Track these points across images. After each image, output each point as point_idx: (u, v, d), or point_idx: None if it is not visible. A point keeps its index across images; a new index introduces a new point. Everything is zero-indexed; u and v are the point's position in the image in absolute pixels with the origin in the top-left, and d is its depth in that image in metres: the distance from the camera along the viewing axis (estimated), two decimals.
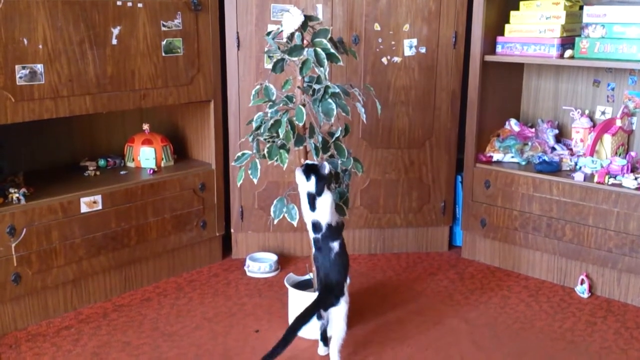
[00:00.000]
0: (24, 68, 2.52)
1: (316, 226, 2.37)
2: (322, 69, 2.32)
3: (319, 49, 2.32)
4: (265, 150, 2.36)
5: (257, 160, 2.44)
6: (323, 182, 2.32)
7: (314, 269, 2.65)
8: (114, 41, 2.77)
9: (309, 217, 2.39)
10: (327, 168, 2.31)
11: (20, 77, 2.51)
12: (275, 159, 2.35)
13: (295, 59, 2.34)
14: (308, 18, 2.37)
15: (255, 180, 2.44)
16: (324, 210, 2.35)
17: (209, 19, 3.09)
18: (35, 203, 2.64)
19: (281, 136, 2.31)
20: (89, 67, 2.70)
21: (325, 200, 2.34)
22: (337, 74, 3.19)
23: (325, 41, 2.33)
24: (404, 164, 3.39)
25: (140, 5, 2.82)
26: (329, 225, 2.36)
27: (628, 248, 2.86)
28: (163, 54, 2.95)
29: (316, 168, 2.32)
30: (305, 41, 2.39)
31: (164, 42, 2.94)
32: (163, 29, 2.93)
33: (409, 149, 3.37)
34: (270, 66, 3.15)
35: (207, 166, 3.28)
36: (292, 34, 2.36)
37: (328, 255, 2.37)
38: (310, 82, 2.42)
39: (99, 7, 2.69)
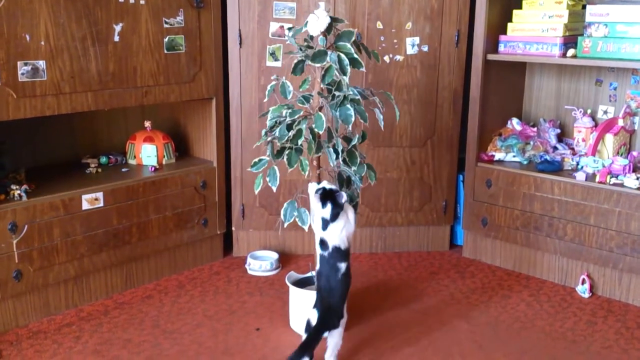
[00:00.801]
0: (26, 64, 2.51)
1: (324, 244, 2.34)
2: (345, 77, 2.22)
3: (342, 55, 2.22)
4: (285, 157, 2.29)
5: (276, 167, 2.38)
6: (338, 209, 2.30)
7: (317, 267, 2.65)
8: (116, 38, 2.77)
9: (318, 233, 2.36)
10: (344, 197, 2.29)
11: (22, 74, 2.51)
12: (296, 166, 2.28)
13: (318, 65, 2.25)
14: (334, 20, 2.28)
15: (274, 188, 2.39)
16: (335, 234, 2.32)
17: (211, 16, 3.09)
18: (37, 200, 2.64)
19: (299, 144, 2.24)
20: (91, 63, 2.70)
21: (338, 226, 2.32)
22: None
23: (349, 45, 2.23)
24: (405, 162, 3.38)
25: (142, 2, 2.82)
26: (337, 248, 2.33)
27: (629, 248, 2.86)
28: (165, 51, 2.95)
29: (333, 195, 2.29)
30: (328, 42, 2.31)
31: (166, 39, 2.94)
32: (165, 26, 2.93)
33: (410, 148, 3.37)
34: (272, 64, 3.16)
35: (209, 164, 3.28)
36: (313, 36, 2.27)
37: (334, 275, 2.32)
38: (330, 84, 2.31)
39: (101, 3, 2.68)
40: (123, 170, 3.13)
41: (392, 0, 3.17)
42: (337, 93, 2.27)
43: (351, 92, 2.29)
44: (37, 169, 3.04)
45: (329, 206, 2.28)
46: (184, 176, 3.14)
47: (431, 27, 3.23)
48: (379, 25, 3.19)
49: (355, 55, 2.25)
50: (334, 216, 2.29)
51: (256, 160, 2.42)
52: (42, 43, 2.54)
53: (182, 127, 3.46)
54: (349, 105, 2.27)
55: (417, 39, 3.23)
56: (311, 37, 2.29)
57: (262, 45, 3.14)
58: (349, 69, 2.23)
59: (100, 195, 2.82)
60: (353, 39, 2.26)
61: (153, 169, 3.13)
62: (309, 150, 2.25)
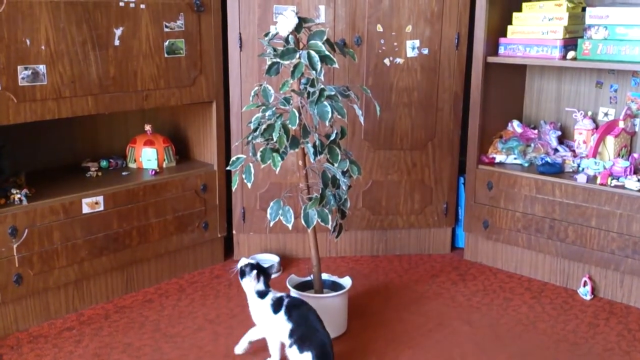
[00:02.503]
0: (26, 69, 2.52)
1: (278, 302, 2.35)
2: (314, 72, 2.31)
3: (312, 52, 2.31)
4: (259, 154, 2.37)
5: (251, 164, 2.45)
6: (268, 277, 2.44)
7: (314, 270, 2.65)
8: (117, 42, 2.77)
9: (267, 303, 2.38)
10: (275, 267, 2.46)
11: (23, 78, 2.51)
12: (268, 162, 2.36)
13: (287, 62, 2.34)
14: (303, 20, 2.37)
15: (249, 185, 2.46)
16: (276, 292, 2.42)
17: (211, 20, 3.09)
18: (37, 204, 2.64)
19: (274, 140, 2.32)
20: (91, 68, 2.70)
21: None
22: (339, 75, 3.19)
23: (320, 43, 2.32)
24: (406, 165, 3.38)
25: (142, 6, 2.82)
26: (288, 295, 2.39)
27: (631, 250, 2.85)
28: (165, 55, 2.95)
29: (262, 268, 2.41)
30: (301, 43, 2.39)
31: (166, 43, 2.94)
32: (165, 30, 2.93)
33: (411, 151, 3.37)
34: None
35: (209, 167, 3.28)
36: (288, 37, 2.36)
37: (308, 311, 2.32)
38: (308, 84, 2.40)
39: (101, 8, 2.69)
40: (123, 173, 3.13)
41: (392, 3, 3.17)
42: (311, 89, 2.35)
43: (325, 87, 2.35)
44: (37, 172, 3.04)
45: (262, 280, 2.39)
46: (184, 179, 3.14)
47: (431, 30, 3.23)
48: (379, 28, 3.19)
49: (327, 53, 2.32)
50: (268, 285, 2.40)
51: (234, 158, 2.49)
52: (43, 47, 2.54)
53: (183, 131, 3.46)
54: (325, 103, 2.34)
55: (417, 42, 3.23)
56: (287, 40, 2.35)
57: (263, 48, 3.14)
58: (319, 65, 2.31)
59: (100, 199, 2.82)
60: (325, 37, 2.33)
61: (153, 172, 3.13)
62: (280, 144, 2.31)
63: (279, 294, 2.38)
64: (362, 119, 2.50)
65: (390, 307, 2.92)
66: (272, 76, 2.42)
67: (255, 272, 2.37)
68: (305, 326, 2.28)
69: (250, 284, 2.38)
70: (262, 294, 2.37)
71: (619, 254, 2.89)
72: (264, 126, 2.36)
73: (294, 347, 2.27)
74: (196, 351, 2.53)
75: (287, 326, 2.30)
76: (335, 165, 2.45)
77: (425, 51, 3.25)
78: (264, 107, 2.42)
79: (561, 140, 3.44)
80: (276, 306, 2.34)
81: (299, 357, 2.25)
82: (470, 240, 3.47)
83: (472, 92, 3.29)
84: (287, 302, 2.34)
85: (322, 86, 2.35)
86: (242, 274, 2.39)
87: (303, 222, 2.45)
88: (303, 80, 2.41)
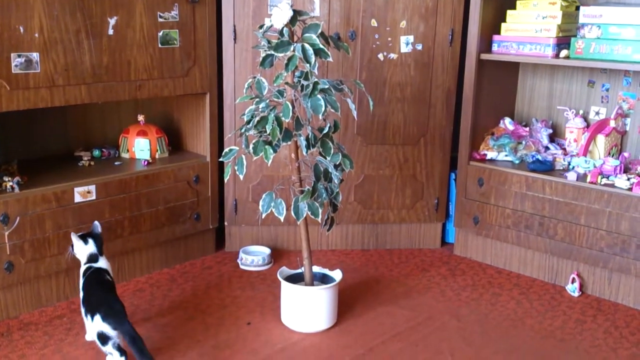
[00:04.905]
0: (19, 56, 2.51)
1: (85, 271, 2.43)
2: (308, 65, 2.32)
3: (306, 45, 2.32)
4: (251, 146, 2.38)
5: (243, 156, 2.46)
6: (100, 240, 2.50)
7: (305, 262, 2.66)
8: (111, 31, 2.76)
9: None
10: (99, 227, 2.50)
11: (16, 66, 2.51)
12: (260, 154, 2.37)
13: (281, 55, 2.35)
14: (297, 13, 2.37)
15: (241, 176, 2.47)
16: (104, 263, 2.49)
17: (206, 11, 3.09)
18: (29, 192, 2.64)
19: (267, 132, 2.33)
20: (85, 56, 2.70)
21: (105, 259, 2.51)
22: (333, 69, 3.19)
23: (314, 36, 2.33)
24: (398, 160, 3.40)
25: None
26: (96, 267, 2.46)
27: (619, 248, 2.88)
28: (159, 45, 2.95)
29: (90, 232, 2.50)
30: (296, 36, 2.40)
31: (160, 34, 2.94)
32: (160, 20, 2.93)
33: (403, 146, 3.38)
34: None
35: (202, 158, 3.28)
36: (282, 29, 2.36)
37: (95, 277, 2.40)
38: (301, 77, 2.41)
39: None
40: (116, 163, 3.13)
41: None
42: (304, 82, 2.36)
43: (318, 80, 2.36)
44: (30, 161, 3.04)
45: (90, 242, 2.46)
46: (176, 170, 3.14)
47: (425, 26, 3.24)
48: (374, 22, 3.20)
49: (321, 46, 2.33)
50: (100, 248, 2.48)
51: (227, 150, 2.50)
52: (36, 35, 2.54)
53: (176, 122, 3.46)
54: (319, 96, 2.35)
55: (411, 38, 3.24)
56: (281, 33, 2.35)
57: (257, 41, 3.14)
58: (313, 58, 2.31)
59: (92, 188, 2.82)
60: (319, 31, 2.34)
61: (146, 162, 3.13)
62: (273, 137, 2.32)
63: (89, 264, 2.44)
64: (355, 113, 2.51)
65: (380, 300, 2.94)
66: (266, 68, 2.43)
67: (76, 236, 2.43)
68: (90, 292, 2.34)
69: (79, 245, 2.45)
70: (93, 258, 2.45)
71: (608, 252, 2.92)
72: (257, 118, 2.37)
73: (89, 316, 2.29)
74: (186, 341, 2.53)
75: (80, 295, 2.38)
76: (328, 158, 2.46)
77: (419, 47, 3.26)
78: (257, 100, 2.42)
79: (552, 138, 3.46)
80: (83, 274, 2.42)
81: (92, 325, 2.26)
82: (461, 235, 3.49)
83: (464, 88, 3.30)
84: (90, 271, 2.41)
85: (316, 79, 2.36)
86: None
87: (293, 214, 2.46)
88: (297, 73, 2.41)
